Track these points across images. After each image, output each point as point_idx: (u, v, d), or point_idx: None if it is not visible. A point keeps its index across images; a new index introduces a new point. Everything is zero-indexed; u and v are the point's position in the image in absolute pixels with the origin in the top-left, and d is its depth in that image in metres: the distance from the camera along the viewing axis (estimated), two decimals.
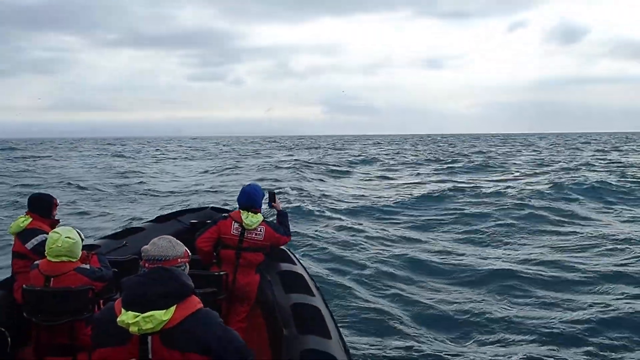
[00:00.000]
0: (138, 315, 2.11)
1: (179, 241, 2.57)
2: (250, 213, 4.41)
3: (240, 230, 4.38)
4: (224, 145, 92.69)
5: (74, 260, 3.69)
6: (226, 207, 7.89)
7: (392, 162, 40.79)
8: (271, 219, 4.96)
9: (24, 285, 3.69)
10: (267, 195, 4.92)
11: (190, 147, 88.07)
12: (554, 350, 5.99)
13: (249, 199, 4.47)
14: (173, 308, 2.15)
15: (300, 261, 5.55)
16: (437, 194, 18.45)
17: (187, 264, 2.56)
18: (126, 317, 2.12)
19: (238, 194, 4.59)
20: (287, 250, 5.61)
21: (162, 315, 2.11)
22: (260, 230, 4.40)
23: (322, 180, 26.70)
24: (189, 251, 2.60)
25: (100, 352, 2.23)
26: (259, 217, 4.42)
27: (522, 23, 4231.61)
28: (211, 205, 8.30)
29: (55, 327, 3.60)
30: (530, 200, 16.35)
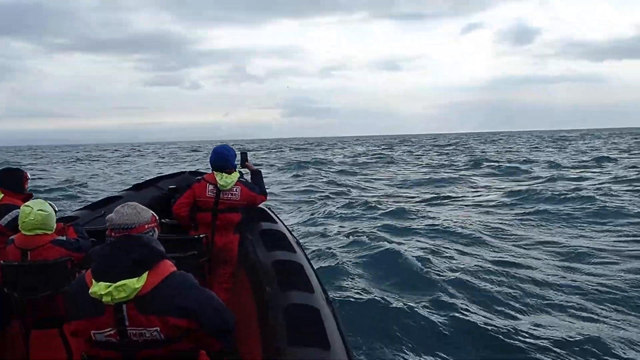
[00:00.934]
0: (110, 285, 2.10)
1: (143, 207, 2.51)
2: (224, 174, 4.38)
3: (215, 191, 4.37)
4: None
5: (49, 232, 3.65)
6: (204, 171, 7.83)
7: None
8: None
9: (1, 261, 3.66)
10: (239, 157, 4.88)
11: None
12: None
13: (221, 158, 4.43)
14: (145, 274, 2.14)
15: (281, 219, 5.57)
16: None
17: (155, 228, 2.51)
18: (98, 288, 2.11)
19: (210, 155, 4.55)
20: (268, 209, 5.61)
21: (135, 283, 2.11)
22: (236, 190, 4.39)
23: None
24: (156, 216, 2.56)
25: (76, 324, 2.22)
26: (234, 177, 4.40)
27: (477, 25, 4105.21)
28: (188, 170, 8.24)
29: (37, 300, 3.59)
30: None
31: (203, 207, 4.40)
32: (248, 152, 5.15)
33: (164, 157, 57.86)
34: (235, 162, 4.73)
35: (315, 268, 4.43)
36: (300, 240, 5.05)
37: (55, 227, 3.72)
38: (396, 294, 6.82)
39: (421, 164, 34.57)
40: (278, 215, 5.67)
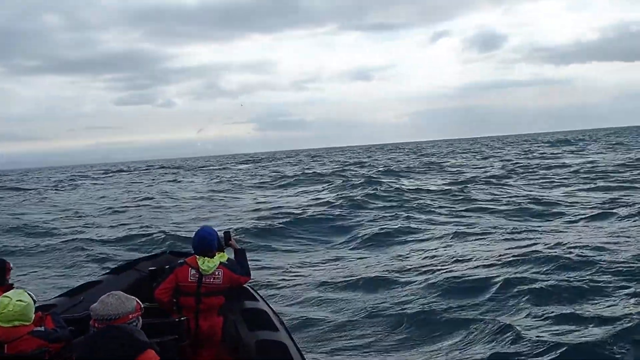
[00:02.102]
0: None
1: (130, 296, 2.52)
2: (206, 258, 4.38)
3: (197, 276, 4.35)
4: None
5: (27, 323, 3.58)
6: (185, 250, 7.79)
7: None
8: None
9: None
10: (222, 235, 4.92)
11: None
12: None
13: (203, 243, 4.45)
14: None
15: (263, 297, 5.53)
16: None
17: (139, 317, 2.52)
18: None
19: (192, 238, 4.57)
20: (249, 288, 5.58)
21: None
22: (219, 274, 4.39)
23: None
24: (140, 303, 2.57)
25: None
26: (216, 261, 4.40)
27: (444, 33, 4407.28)
28: (169, 250, 8.18)
29: None
30: None
31: (186, 292, 4.37)
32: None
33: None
34: (221, 243, 4.76)
35: (298, 346, 4.39)
36: None
37: (33, 317, 3.66)
38: None
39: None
40: (259, 293, 5.64)
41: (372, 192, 22.30)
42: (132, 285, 5.88)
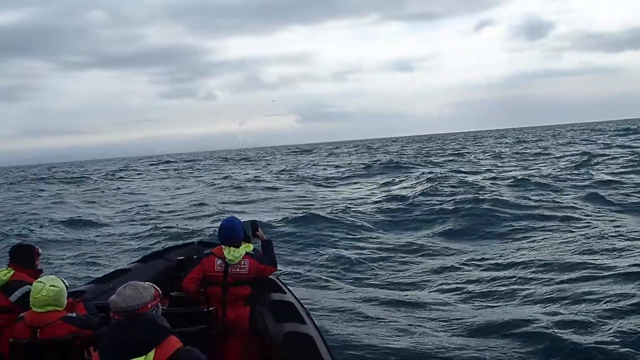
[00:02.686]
0: None
1: (146, 284, 2.52)
2: (232, 248, 4.42)
3: (224, 266, 4.39)
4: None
5: (60, 309, 3.65)
6: (213, 241, 7.86)
7: None
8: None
9: (10, 339, 3.63)
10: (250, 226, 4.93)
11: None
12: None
13: (228, 234, 4.50)
14: (152, 353, 2.13)
15: (290, 289, 5.53)
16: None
17: (158, 305, 2.51)
18: None
19: (218, 228, 4.60)
20: (276, 280, 5.59)
21: None
22: (244, 264, 4.41)
23: None
24: (158, 290, 2.55)
25: None
26: (242, 251, 4.43)
27: (489, 22, 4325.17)
28: (197, 240, 8.25)
29: None
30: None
31: (212, 282, 4.41)
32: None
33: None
34: (248, 233, 4.77)
35: (325, 339, 4.37)
36: None
37: (66, 303, 3.72)
38: None
39: None
40: (287, 285, 5.64)
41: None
42: (160, 274, 5.96)
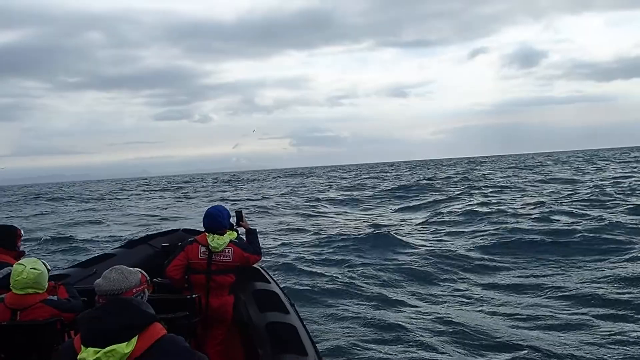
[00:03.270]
0: (99, 351, 2.06)
1: (132, 269, 2.49)
2: (216, 235, 4.39)
3: (207, 253, 4.37)
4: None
5: (41, 291, 3.60)
6: (198, 229, 7.82)
7: None
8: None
9: None
10: (234, 215, 4.90)
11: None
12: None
13: (213, 221, 4.46)
14: (135, 339, 2.10)
15: (274, 279, 5.53)
16: None
17: (145, 289, 2.49)
18: (86, 354, 2.07)
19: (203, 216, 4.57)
20: (261, 269, 5.58)
21: (124, 348, 2.07)
22: (229, 252, 4.40)
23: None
24: (145, 275, 2.53)
25: None
26: (226, 239, 4.41)
27: (482, 50, 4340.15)
28: (182, 228, 8.21)
29: None
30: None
31: (196, 269, 4.38)
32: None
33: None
34: (231, 221, 4.74)
35: (308, 329, 4.37)
36: None
37: (47, 286, 3.68)
38: None
39: None
40: (271, 275, 5.63)
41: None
42: (144, 260, 5.92)
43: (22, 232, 4.50)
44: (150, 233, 7.90)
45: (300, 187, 49.73)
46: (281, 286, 5.38)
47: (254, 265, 5.61)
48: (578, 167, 53.53)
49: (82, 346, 2.11)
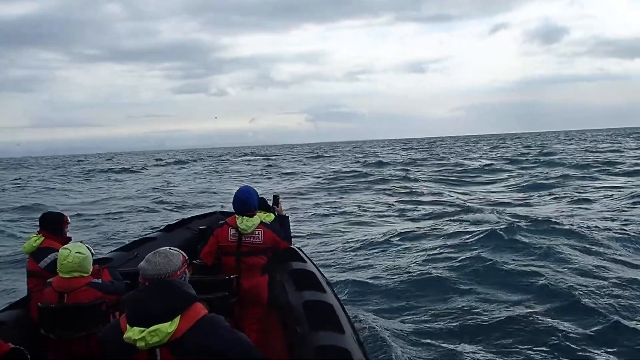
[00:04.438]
0: (144, 330, 2.14)
1: (174, 251, 2.54)
2: (245, 217, 4.37)
3: (237, 235, 4.36)
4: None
5: (86, 275, 3.75)
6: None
7: None
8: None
9: (39, 303, 3.77)
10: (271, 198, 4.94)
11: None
12: None
13: (242, 203, 4.43)
14: (177, 319, 2.18)
15: (311, 259, 5.58)
16: None
17: (186, 271, 2.56)
18: (132, 333, 2.16)
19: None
20: (297, 249, 5.64)
21: (168, 328, 2.14)
22: (259, 234, 4.37)
23: None
24: (185, 255, 2.57)
25: None
26: (255, 220, 4.38)
27: (504, 25, 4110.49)
28: (219, 210, 8.35)
29: (71, 342, 3.67)
30: None
31: (226, 251, 4.41)
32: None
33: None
34: (270, 204, 4.75)
35: (345, 307, 4.41)
36: None
37: (91, 269, 3.82)
38: None
39: None
40: (307, 255, 5.69)
41: None
42: (183, 243, 6.07)
43: (69, 218, 4.66)
44: (188, 217, 8.07)
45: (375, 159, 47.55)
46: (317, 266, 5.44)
47: (291, 246, 5.68)
48: None
49: (127, 326, 2.20)
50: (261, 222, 4.42)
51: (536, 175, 25.54)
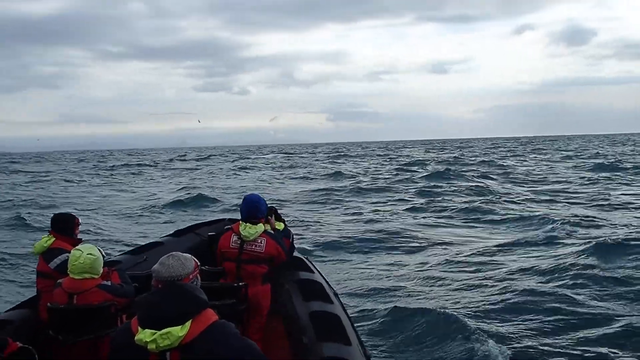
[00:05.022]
0: (155, 333, 2.14)
1: (187, 255, 2.58)
2: (248, 224, 4.32)
3: (239, 242, 4.31)
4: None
5: (96, 277, 3.77)
6: None
7: None
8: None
9: (48, 303, 3.78)
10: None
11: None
12: None
13: (248, 210, 4.38)
14: (189, 323, 2.18)
15: (318, 269, 5.57)
16: None
17: (197, 276, 2.58)
18: (143, 335, 2.16)
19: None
20: (305, 259, 5.64)
21: (179, 331, 2.15)
22: (261, 242, 4.30)
23: None
24: (197, 261, 2.62)
25: None
26: (259, 228, 4.31)
27: (529, 26, 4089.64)
28: (228, 217, 8.36)
29: (79, 343, 3.68)
30: None
31: (227, 257, 4.36)
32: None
33: None
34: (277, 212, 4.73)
35: (352, 319, 4.39)
36: None
37: (101, 271, 3.84)
38: None
39: None
40: (315, 265, 5.68)
41: None
42: (191, 248, 6.08)
43: (80, 220, 4.69)
44: (196, 223, 8.10)
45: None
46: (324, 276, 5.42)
47: (298, 255, 5.67)
48: None
49: (139, 328, 2.21)
50: (265, 231, 4.36)
51: None
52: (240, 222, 4.38)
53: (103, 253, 3.93)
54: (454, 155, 57.37)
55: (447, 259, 10.37)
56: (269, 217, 4.91)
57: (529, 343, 6.26)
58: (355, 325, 4.31)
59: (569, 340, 6.29)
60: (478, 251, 11.00)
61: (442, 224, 14.93)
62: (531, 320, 6.99)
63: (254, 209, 4.39)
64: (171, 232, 7.42)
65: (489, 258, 10.36)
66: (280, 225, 5.28)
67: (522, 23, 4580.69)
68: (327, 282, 5.20)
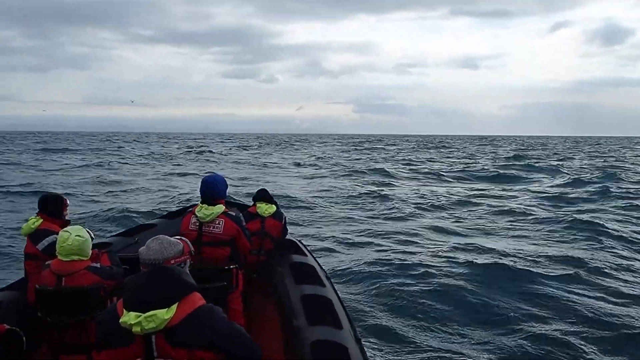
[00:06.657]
0: (140, 316, 2.12)
1: (172, 240, 2.59)
2: (204, 205, 4.19)
3: (198, 224, 4.19)
4: None
5: (85, 258, 3.72)
6: (238, 201, 7.92)
7: None
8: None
9: (36, 286, 3.74)
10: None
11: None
12: None
13: (207, 189, 4.25)
14: (174, 306, 2.16)
15: (311, 253, 5.56)
16: None
17: (187, 260, 2.57)
18: (128, 317, 2.14)
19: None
20: (298, 242, 5.63)
21: (164, 314, 2.13)
22: (219, 223, 4.17)
23: None
24: (190, 245, 2.62)
25: (106, 353, 2.25)
26: (216, 209, 4.17)
27: (564, 23, 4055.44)
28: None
29: (68, 326, 3.64)
30: None
31: (189, 239, 4.29)
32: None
33: None
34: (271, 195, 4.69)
35: (344, 303, 4.38)
36: None
37: (90, 253, 3.79)
38: None
39: None
40: (308, 248, 5.66)
41: None
42: None
43: (68, 201, 4.62)
44: (191, 204, 8.06)
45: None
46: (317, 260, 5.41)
47: (291, 239, 5.65)
48: None
49: (124, 310, 2.18)
50: (224, 213, 4.20)
51: None
52: (199, 203, 4.28)
53: (92, 235, 3.87)
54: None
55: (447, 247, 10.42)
56: (255, 202, 4.86)
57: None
58: (347, 308, 4.31)
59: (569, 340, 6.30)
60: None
61: None
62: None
63: (211, 190, 4.25)
64: (164, 214, 7.39)
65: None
66: (272, 208, 5.25)
67: (559, 20, 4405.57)
68: (319, 265, 5.19)
